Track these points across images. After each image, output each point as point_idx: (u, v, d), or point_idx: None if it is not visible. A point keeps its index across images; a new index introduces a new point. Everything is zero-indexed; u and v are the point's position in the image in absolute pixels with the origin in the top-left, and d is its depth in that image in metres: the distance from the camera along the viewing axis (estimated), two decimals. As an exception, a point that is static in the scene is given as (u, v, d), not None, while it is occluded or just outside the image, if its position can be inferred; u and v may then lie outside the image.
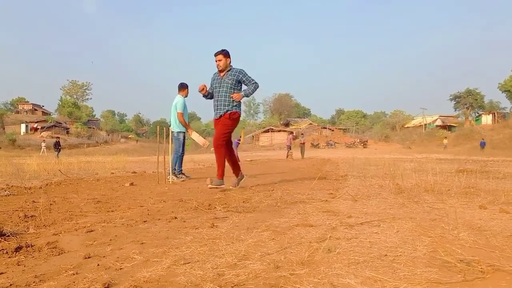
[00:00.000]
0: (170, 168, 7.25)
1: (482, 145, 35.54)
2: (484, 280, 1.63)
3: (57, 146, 26.80)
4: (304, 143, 24.18)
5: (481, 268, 1.75)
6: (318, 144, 56.67)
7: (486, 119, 59.98)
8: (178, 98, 7.57)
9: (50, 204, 4.05)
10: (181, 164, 7.76)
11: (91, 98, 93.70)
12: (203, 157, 24.77)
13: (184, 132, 7.65)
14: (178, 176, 7.50)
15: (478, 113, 66.16)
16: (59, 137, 29.98)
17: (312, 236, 2.46)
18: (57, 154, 25.10)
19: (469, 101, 65.89)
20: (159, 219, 3.16)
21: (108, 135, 76.46)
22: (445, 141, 44.47)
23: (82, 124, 73.16)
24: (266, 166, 13.26)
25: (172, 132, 7.48)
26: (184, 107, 7.56)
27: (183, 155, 7.81)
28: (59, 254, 2.16)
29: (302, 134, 25.78)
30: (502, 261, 1.88)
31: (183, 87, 7.65)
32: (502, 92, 59.21)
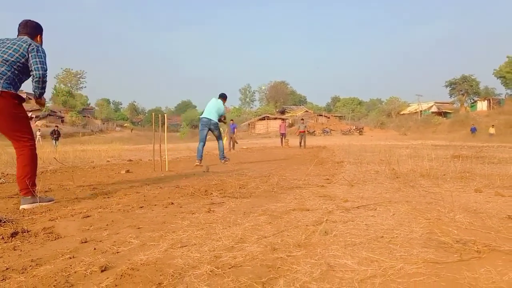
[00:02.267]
0: (219, 152, 8.98)
1: (473, 130, 35.55)
2: (480, 259, 1.64)
3: (55, 135, 26.48)
4: (304, 131, 20.17)
5: (477, 248, 1.76)
6: (314, 131, 56.70)
7: (482, 105, 60.09)
8: (221, 104, 8.97)
9: (46, 191, 4.03)
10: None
11: (85, 87, 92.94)
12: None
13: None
14: (224, 159, 8.82)
15: (473, 99, 66.26)
16: (57, 126, 29.60)
17: (309, 220, 2.47)
18: (56, 143, 24.86)
19: (465, 87, 66.03)
20: (155, 205, 3.15)
21: (103, 123, 76.08)
22: (491, 130, 34.00)
23: (77, 112, 72.60)
24: (262, 153, 13.27)
25: (213, 122, 8.77)
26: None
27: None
28: (55, 239, 2.15)
29: (302, 120, 21.85)
30: (498, 242, 1.89)
31: (224, 97, 9.16)
32: (497, 78, 59.38)
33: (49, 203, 3.33)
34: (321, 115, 70.01)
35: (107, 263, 1.68)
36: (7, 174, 5.84)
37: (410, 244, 1.88)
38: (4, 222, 2.48)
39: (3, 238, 2.13)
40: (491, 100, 59.57)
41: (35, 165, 3.43)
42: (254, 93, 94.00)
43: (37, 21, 3.74)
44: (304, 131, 20.26)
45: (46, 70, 3.47)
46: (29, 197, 3.23)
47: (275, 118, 65.83)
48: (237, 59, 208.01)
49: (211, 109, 8.79)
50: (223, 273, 1.54)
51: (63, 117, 69.18)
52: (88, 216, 2.72)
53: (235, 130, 18.11)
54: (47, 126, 57.46)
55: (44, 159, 9.61)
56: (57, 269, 1.64)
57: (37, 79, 3.41)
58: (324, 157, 9.85)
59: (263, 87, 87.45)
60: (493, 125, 35.56)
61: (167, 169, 6.66)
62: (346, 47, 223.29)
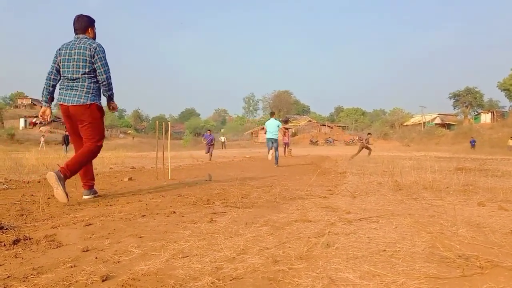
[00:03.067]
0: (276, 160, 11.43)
1: (472, 143, 35.26)
2: (482, 275, 1.63)
3: (65, 141, 26.50)
4: (367, 145, 18.71)
5: (480, 263, 1.75)
6: (317, 141, 56.69)
7: (485, 117, 60.01)
8: (276, 121, 11.84)
9: (48, 198, 4.04)
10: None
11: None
12: (202, 153, 24.79)
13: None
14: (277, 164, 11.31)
15: (477, 111, 66.19)
16: (67, 131, 29.64)
17: (311, 231, 2.46)
18: (66, 148, 24.92)
19: (469, 99, 65.96)
20: (157, 214, 3.15)
21: (107, 130, 76.29)
22: (510, 142, 32.30)
23: (81, 119, 72.78)
24: (265, 163, 13.26)
25: (273, 139, 11.60)
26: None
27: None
28: (57, 247, 2.15)
29: (369, 134, 20.51)
30: (501, 257, 1.88)
31: (273, 113, 12.96)
32: (501, 91, 59.27)
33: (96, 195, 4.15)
34: (324, 125, 70.01)
35: (108, 272, 1.68)
36: (10, 180, 5.85)
37: (412, 259, 1.87)
38: (6, 229, 2.48)
39: (5, 245, 2.14)
40: (494, 113, 59.50)
41: (92, 157, 4.14)
42: (258, 102, 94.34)
43: (87, 14, 4.15)
44: (367, 145, 18.99)
45: (108, 71, 4.02)
46: (90, 189, 4.10)
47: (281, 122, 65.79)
48: (242, 67, 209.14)
49: (273, 130, 11.63)
50: (224, 285, 1.54)
51: (67, 123, 69.23)
52: (90, 224, 2.73)
53: (213, 141, 17.51)
54: (51, 132, 57.53)
55: (47, 165, 9.64)
56: (58, 278, 1.64)
57: (102, 82, 4.02)
58: (327, 167, 9.84)
59: (267, 96, 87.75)
60: (511, 137, 33.10)
61: (169, 177, 6.67)
62: (350, 57, 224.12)
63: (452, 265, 1.77)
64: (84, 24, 4.09)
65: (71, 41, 4.03)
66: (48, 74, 3.99)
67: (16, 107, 79.54)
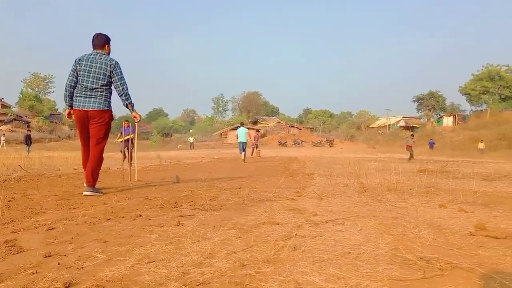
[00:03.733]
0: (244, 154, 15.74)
1: (431, 145, 36.11)
2: (442, 277, 1.69)
3: (28, 141, 25.39)
4: (411, 146, 19.80)
5: (440, 265, 1.82)
6: (286, 142, 57.10)
7: (447, 120, 62.20)
8: (245, 128, 16.83)
9: (9, 200, 3.89)
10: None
11: (53, 92, 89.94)
12: (169, 154, 24.51)
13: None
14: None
15: (439, 114, 68.45)
16: (30, 131, 28.38)
17: (278, 234, 2.48)
18: (28, 149, 23.93)
19: (431, 103, 68.12)
20: (123, 217, 3.10)
21: (71, 129, 73.88)
22: (480, 145, 31.26)
23: (44, 118, 70.43)
24: (233, 164, 13.26)
25: (243, 142, 16.00)
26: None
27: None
28: (17, 253, 2.08)
29: (412, 135, 21.50)
30: (460, 259, 1.96)
31: (243, 123, 17.37)
32: (463, 95, 61.58)
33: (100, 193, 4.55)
34: (293, 127, 70.60)
35: (71, 279, 1.64)
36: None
37: (376, 261, 1.92)
38: (-38, 234, 2.37)
39: (-40, 251, 2.04)
40: (456, 116, 61.77)
41: (101, 164, 4.84)
42: (227, 102, 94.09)
43: (105, 33, 4.77)
44: (411, 146, 19.80)
45: (126, 83, 4.69)
46: (91, 187, 4.54)
47: (248, 128, 65.96)
48: (211, 67, 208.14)
49: (243, 135, 16.27)
50: (191, 290, 1.53)
51: (29, 122, 66.98)
52: (52, 229, 2.65)
53: (132, 139, 11.16)
54: (11, 131, 55.41)
55: (8, 165, 9.28)
56: (19, 285, 1.58)
57: (121, 93, 4.69)
58: (295, 169, 9.94)
59: (236, 97, 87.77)
60: (482, 140, 32.69)
61: (136, 179, 6.55)
62: (318, 60, 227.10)
63: (414, 267, 1.83)
64: (102, 42, 4.70)
65: (91, 54, 4.61)
66: (69, 82, 4.56)
67: (-26, 104, 76.08)
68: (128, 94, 4.71)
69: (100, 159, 4.75)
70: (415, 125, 65.39)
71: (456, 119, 60.59)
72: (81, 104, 4.55)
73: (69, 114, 4.72)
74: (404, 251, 2.05)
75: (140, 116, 5.06)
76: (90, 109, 4.54)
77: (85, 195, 4.39)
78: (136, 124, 7.37)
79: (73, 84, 4.56)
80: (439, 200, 4.13)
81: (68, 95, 4.60)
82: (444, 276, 1.70)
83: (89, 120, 4.60)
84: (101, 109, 4.58)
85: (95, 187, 4.58)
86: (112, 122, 4.85)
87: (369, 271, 1.76)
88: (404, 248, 2.11)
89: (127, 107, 4.81)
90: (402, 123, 68.55)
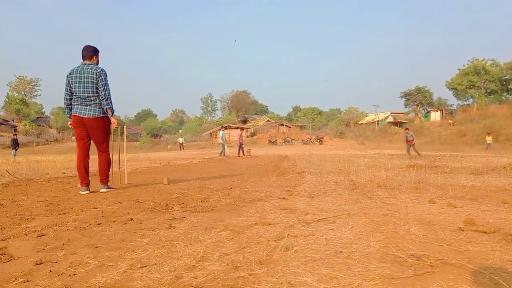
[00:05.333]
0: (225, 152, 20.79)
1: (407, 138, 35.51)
2: (433, 274, 1.71)
3: (15, 145, 24.87)
4: (411, 140, 19.00)
5: (430, 262, 1.84)
6: (276, 140, 57.17)
7: (435, 115, 62.77)
8: (223, 132, 22.27)
9: (-4, 207, 3.84)
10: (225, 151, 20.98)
11: (40, 95, 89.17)
12: (159, 155, 24.39)
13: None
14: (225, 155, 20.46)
15: (427, 109, 69.05)
16: (16, 135, 27.88)
17: (270, 235, 2.49)
18: (15, 153, 23.53)
19: (419, 98, 68.67)
20: (114, 221, 3.08)
21: (59, 133, 73.34)
22: (488, 138, 28.47)
23: (31, 121, 69.56)
24: (224, 164, 13.24)
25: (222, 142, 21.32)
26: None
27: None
28: (8, 261, 2.05)
29: (407, 129, 20.47)
30: (450, 255, 1.98)
31: (223, 127, 25.94)
32: (449, 90, 62.24)
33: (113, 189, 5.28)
34: (283, 125, 70.75)
35: (63, 286, 1.63)
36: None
37: (367, 259, 1.93)
38: (-50, 243, 2.34)
39: (-51, 262, 2.01)
40: (443, 111, 62.38)
41: (109, 166, 5.49)
42: (216, 102, 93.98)
43: (94, 45, 5.14)
44: (411, 140, 19.12)
45: (108, 90, 5.01)
46: (105, 184, 5.24)
47: (237, 128, 65.92)
48: (199, 67, 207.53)
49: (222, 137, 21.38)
50: (184, 294, 1.53)
51: (16, 126, 66.09)
52: (43, 235, 2.62)
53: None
54: (-2, 136, 54.56)
55: (-6, 171, 9.14)
56: (9, 295, 1.57)
57: (103, 97, 4.97)
58: (285, 167, 9.96)
59: (225, 96, 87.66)
60: (489, 133, 29.89)
61: (126, 182, 6.50)
62: (308, 58, 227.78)
63: (404, 264, 1.85)
64: (90, 53, 5.07)
65: (79, 66, 4.99)
66: (65, 95, 5.06)
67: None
68: (110, 100, 5.03)
69: (108, 163, 5.37)
70: (403, 121, 65.87)
71: (444, 114, 61.18)
72: (78, 111, 5.01)
73: (71, 124, 5.14)
74: (394, 249, 2.07)
75: (118, 122, 5.40)
76: (86, 117, 4.98)
77: (101, 192, 5.07)
78: (124, 126, 7.33)
79: (68, 97, 5.03)
80: (428, 196, 4.18)
81: (66, 107, 5.13)
82: (435, 273, 1.72)
83: (86, 127, 5.05)
84: (96, 116, 5.01)
85: (108, 184, 5.31)
86: (109, 125, 5.27)
87: (361, 270, 1.77)
88: (395, 246, 2.13)
89: (106, 111, 5.10)
90: (390, 119, 68.99)
